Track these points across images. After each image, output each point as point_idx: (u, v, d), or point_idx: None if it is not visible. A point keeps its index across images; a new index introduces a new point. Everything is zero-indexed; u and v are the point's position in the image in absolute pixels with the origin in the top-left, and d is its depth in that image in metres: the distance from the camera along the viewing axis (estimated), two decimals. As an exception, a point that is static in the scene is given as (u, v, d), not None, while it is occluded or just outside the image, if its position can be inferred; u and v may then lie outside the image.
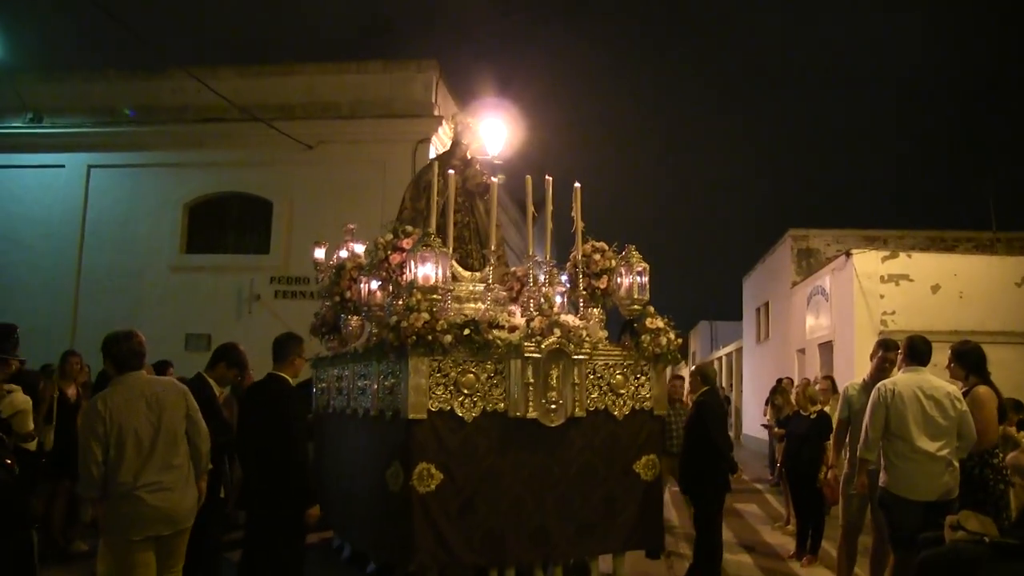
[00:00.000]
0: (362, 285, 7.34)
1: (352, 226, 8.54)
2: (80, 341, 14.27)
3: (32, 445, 7.54)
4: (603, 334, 7.14)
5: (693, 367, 9.25)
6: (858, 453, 6.21)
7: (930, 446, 5.83)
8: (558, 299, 7.28)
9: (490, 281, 7.21)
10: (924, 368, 6.19)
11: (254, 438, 5.86)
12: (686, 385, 10.94)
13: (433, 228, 6.92)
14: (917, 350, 6.24)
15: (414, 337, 6.06)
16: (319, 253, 8.71)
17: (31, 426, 7.39)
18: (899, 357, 6.42)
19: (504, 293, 7.43)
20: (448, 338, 6.15)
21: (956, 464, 5.92)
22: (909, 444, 5.86)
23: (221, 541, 6.59)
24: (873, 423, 6.03)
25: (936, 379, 6.14)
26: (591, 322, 7.07)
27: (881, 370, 6.89)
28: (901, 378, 6.16)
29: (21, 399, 7.27)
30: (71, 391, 8.57)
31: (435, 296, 6.37)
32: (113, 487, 4.74)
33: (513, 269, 7.75)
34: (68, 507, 8.35)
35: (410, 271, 6.47)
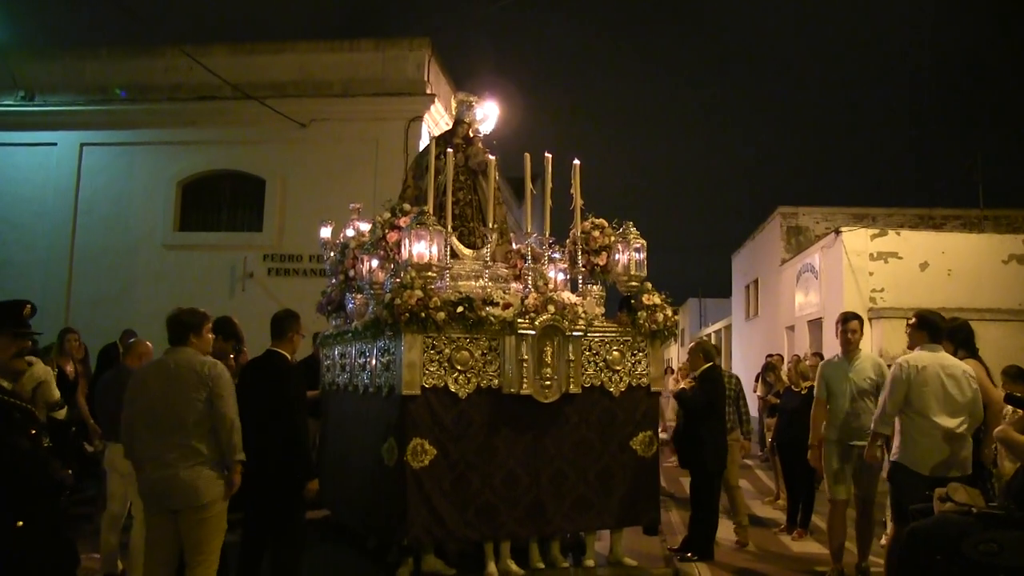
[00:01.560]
0: (363, 263, 7.41)
1: (358, 205, 8.58)
2: (74, 319, 14.35)
3: (62, 413, 7.59)
4: (599, 310, 7.17)
5: (691, 344, 9.27)
6: (873, 427, 6.29)
7: (950, 423, 5.91)
8: (561, 276, 7.33)
9: (488, 259, 7.24)
10: (939, 346, 6.26)
11: (253, 414, 5.95)
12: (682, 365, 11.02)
13: (430, 206, 6.97)
14: (937, 327, 6.30)
15: (407, 314, 6.10)
16: (325, 232, 8.76)
17: (57, 394, 7.44)
18: (912, 332, 6.40)
19: (506, 271, 7.47)
20: (441, 315, 6.19)
21: (971, 441, 6.04)
22: (929, 421, 5.92)
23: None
24: (893, 398, 6.07)
25: (951, 357, 6.21)
26: (587, 299, 7.11)
27: (847, 343, 7.12)
28: (923, 355, 6.16)
29: (42, 369, 7.33)
30: (69, 368, 8.63)
31: (430, 274, 6.41)
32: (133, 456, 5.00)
33: (518, 247, 7.79)
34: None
35: (405, 249, 6.52)
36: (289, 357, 6.13)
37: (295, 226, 15.42)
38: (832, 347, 15.93)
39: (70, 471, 4.15)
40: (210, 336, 5.42)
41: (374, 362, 6.83)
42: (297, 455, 5.76)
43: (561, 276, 7.41)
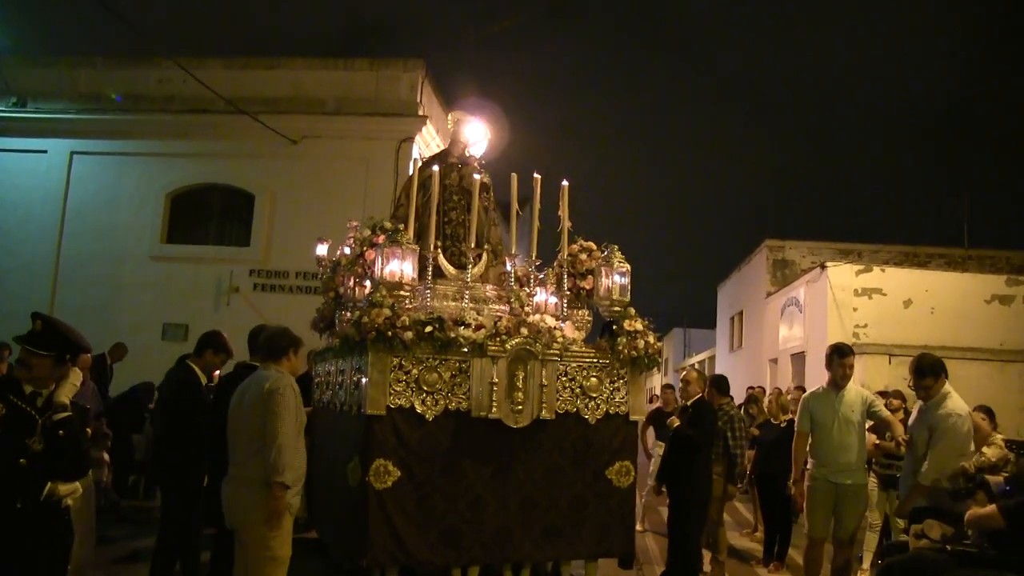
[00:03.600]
0: (348, 281, 7.39)
1: (355, 223, 8.57)
2: (57, 327, 14.27)
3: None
4: (578, 335, 7.02)
5: (684, 371, 8.77)
6: (925, 480, 6.05)
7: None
8: (552, 300, 7.22)
9: (468, 279, 7.13)
10: None
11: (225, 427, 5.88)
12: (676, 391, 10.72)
13: (411, 224, 6.90)
14: (946, 372, 6.34)
15: (374, 333, 6.02)
16: (321, 249, 8.74)
17: (61, 398, 7.37)
18: (927, 378, 6.29)
19: (494, 292, 7.38)
20: (409, 335, 6.07)
21: None
22: (967, 463, 5.96)
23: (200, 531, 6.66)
24: (961, 450, 6.00)
25: None
26: (565, 322, 6.96)
27: (844, 378, 6.89)
28: (960, 401, 6.18)
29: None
30: None
31: (401, 292, 6.32)
32: None
33: (513, 269, 7.67)
34: None
35: (378, 267, 6.46)
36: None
37: (283, 242, 15.46)
38: (815, 380, 15.99)
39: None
40: (296, 357, 5.50)
41: (348, 380, 6.79)
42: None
43: (553, 300, 7.31)
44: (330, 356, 7.62)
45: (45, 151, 16.24)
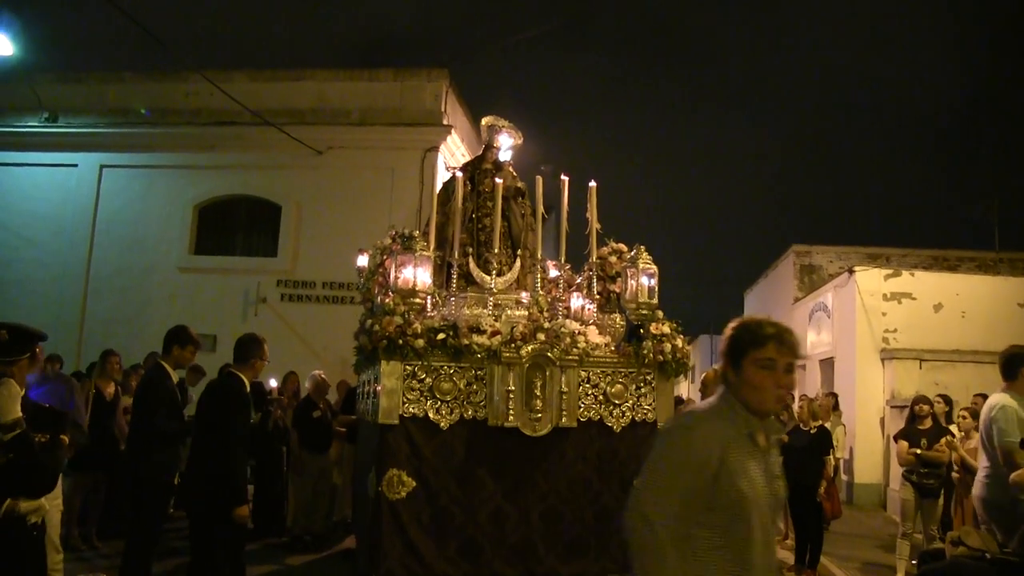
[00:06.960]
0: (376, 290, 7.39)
1: (393, 233, 8.60)
2: (87, 338, 14.58)
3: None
4: (603, 340, 6.84)
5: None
6: None
7: None
8: (591, 306, 7.09)
9: (494, 286, 7.05)
10: None
11: (202, 433, 5.81)
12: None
13: (432, 232, 6.84)
14: None
15: (385, 341, 5.98)
16: (362, 260, 8.78)
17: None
18: None
19: (527, 298, 7.22)
20: (420, 342, 6.03)
21: None
22: None
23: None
24: None
25: None
26: (589, 325, 6.84)
27: None
28: None
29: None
30: (109, 389, 8.77)
31: (415, 300, 6.26)
32: None
33: (557, 275, 7.54)
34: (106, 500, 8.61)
35: (392, 275, 6.44)
36: (246, 380, 5.96)
37: (309, 252, 15.55)
38: (845, 387, 15.86)
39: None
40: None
41: (371, 389, 6.76)
42: (224, 478, 5.56)
43: (591, 305, 7.17)
44: (363, 366, 7.64)
45: (76, 165, 16.47)
